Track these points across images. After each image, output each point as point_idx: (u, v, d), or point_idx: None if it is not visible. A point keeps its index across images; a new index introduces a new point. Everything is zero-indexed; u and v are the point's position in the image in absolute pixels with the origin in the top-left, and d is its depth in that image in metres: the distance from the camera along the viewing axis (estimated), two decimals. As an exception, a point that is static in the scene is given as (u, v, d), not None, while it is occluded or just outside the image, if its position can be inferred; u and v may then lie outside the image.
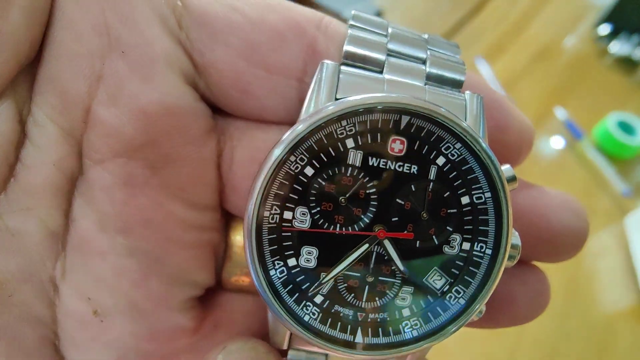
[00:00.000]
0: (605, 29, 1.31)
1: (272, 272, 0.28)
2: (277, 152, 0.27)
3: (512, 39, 1.32)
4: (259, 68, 0.28)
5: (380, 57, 0.29)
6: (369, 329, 0.29)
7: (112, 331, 0.29)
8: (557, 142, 1.10)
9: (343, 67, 0.28)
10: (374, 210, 0.28)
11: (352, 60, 0.28)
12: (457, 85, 0.29)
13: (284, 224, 0.28)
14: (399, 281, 0.29)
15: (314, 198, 0.28)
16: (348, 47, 0.28)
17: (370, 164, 0.28)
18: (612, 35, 1.31)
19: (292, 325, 0.28)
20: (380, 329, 0.29)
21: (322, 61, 0.28)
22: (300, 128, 0.26)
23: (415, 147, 0.28)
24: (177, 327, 0.31)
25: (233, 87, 0.28)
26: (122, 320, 0.29)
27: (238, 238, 0.34)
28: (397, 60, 0.29)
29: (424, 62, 0.29)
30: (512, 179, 0.28)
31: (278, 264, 0.28)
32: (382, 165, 0.28)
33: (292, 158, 0.27)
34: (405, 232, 0.28)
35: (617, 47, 1.28)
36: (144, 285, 0.29)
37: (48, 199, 0.27)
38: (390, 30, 0.30)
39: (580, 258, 0.91)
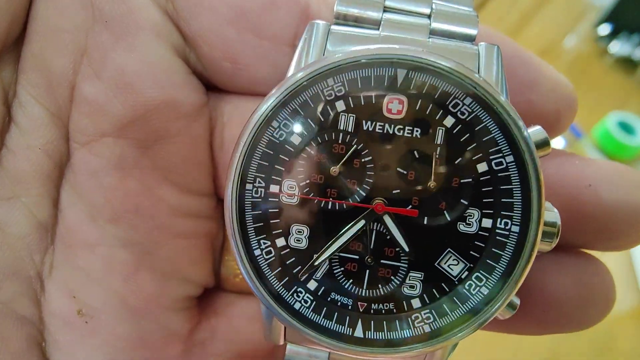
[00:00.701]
0: (605, 29, 1.31)
1: (257, 252, 0.25)
2: (256, 117, 0.24)
3: (512, 39, 1.31)
4: (250, 35, 0.26)
5: (376, 14, 0.26)
6: (372, 322, 0.25)
7: (98, 334, 0.27)
8: (557, 142, 1.10)
9: (334, 27, 0.26)
10: (371, 181, 0.25)
11: (344, 20, 0.26)
12: (468, 39, 0.26)
13: (270, 199, 0.25)
14: (406, 265, 0.25)
15: (302, 169, 0.25)
16: (339, 8, 0.26)
17: (365, 128, 0.24)
18: (612, 35, 1.30)
19: (278, 312, 0.25)
20: (385, 322, 0.25)
21: (312, 21, 0.26)
22: (277, 92, 0.24)
23: (417, 107, 0.24)
24: (170, 331, 0.28)
25: (223, 56, 0.27)
26: (109, 320, 0.27)
27: None
28: (396, 16, 0.26)
29: (428, 16, 0.26)
30: (544, 143, 0.23)
31: (264, 243, 0.25)
32: (379, 129, 0.24)
33: (275, 124, 0.24)
34: (410, 207, 0.24)
35: (617, 47, 1.28)
36: (134, 280, 0.27)
37: (36, 186, 0.25)
38: None
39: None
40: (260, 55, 0.27)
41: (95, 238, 0.26)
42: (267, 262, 0.25)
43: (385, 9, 0.26)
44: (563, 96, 0.27)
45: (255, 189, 0.25)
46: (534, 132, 0.24)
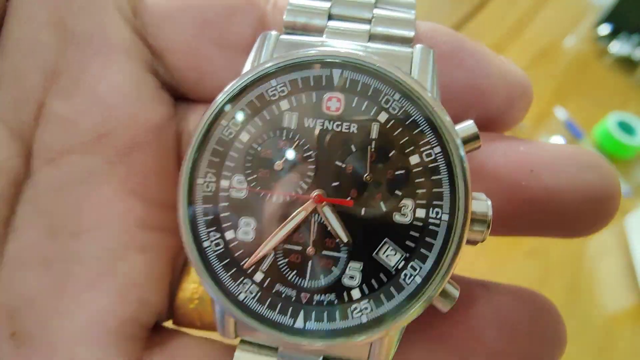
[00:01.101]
0: (605, 29, 1.31)
1: (206, 244, 0.26)
2: (207, 115, 0.26)
3: (512, 39, 1.32)
4: (212, 45, 0.28)
5: (321, 22, 0.28)
6: (313, 313, 0.26)
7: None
8: (557, 141, 1.10)
9: (282, 36, 0.28)
10: (312, 175, 0.26)
11: (292, 29, 0.28)
12: (406, 41, 0.28)
13: (220, 193, 0.26)
14: (346, 256, 0.26)
15: (250, 164, 0.26)
16: (287, 18, 0.28)
17: (307, 125, 0.26)
18: (612, 35, 1.31)
19: (223, 302, 0.25)
20: (325, 313, 0.25)
21: (263, 32, 0.27)
22: (224, 92, 0.26)
23: (354, 104, 0.26)
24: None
25: (189, 67, 0.28)
26: (42, 346, 0.25)
27: None
28: (338, 23, 0.28)
29: (369, 22, 0.28)
30: (473, 137, 0.25)
31: (214, 235, 0.26)
32: (319, 125, 0.26)
33: (224, 122, 0.26)
34: (349, 198, 0.26)
35: (617, 47, 1.29)
36: (86, 297, 0.26)
37: None
38: None
39: (580, 258, 0.91)
40: (222, 64, 0.28)
41: (53, 254, 0.26)
42: (216, 253, 0.26)
43: (330, 17, 0.28)
44: (514, 83, 0.27)
45: (206, 183, 0.26)
46: (464, 126, 0.25)
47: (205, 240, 0.26)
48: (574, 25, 1.40)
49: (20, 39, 0.24)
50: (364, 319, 0.25)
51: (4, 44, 0.24)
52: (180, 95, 0.30)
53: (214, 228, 0.26)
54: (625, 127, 1.08)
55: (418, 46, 0.27)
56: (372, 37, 0.28)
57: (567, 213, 0.25)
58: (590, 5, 1.48)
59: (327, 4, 0.29)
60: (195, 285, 0.31)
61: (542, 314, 0.26)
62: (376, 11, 0.28)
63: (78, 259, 0.26)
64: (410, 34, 0.27)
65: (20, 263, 0.25)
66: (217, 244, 0.26)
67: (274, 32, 0.27)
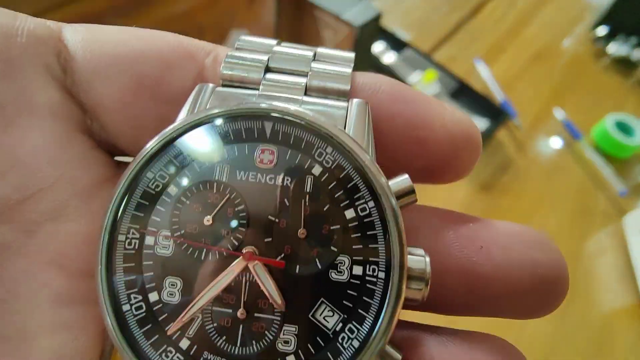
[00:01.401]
0: (602, 31, 1.32)
1: (125, 307, 0.24)
2: (131, 167, 0.24)
3: (510, 41, 1.32)
4: (148, 99, 0.26)
5: (257, 76, 0.27)
6: None
7: None
8: (555, 143, 1.11)
9: (219, 88, 0.27)
10: (244, 230, 0.24)
11: (229, 81, 0.27)
12: (342, 94, 0.27)
13: (145, 251, 0.24)
14: (279, 318, 0.24)
15: (177, 219, 0.25)
16: (224, 72, 0.27)
17: (239, 178, 0.25)
18: (610, 36, 1.31)
19: None
20: None
21: (200, 84, 0.26)
22: (151, 143, 0.25)
23: (287, 157, 0.25)
24: None
25: (125, 123, 0.27)
26: None
27: None
28: (276, 76, 0.27)
29: (306, 75, 0.28)
30: (408, 191, 0.24)
31: (135, 297, 0.24)
32: (252, 179, 0.25)
33: (150, 175, 0.25)
34: (282, 256, 0.24)
35: (615, 48, 1.29)
36: None
37: None
38: (275, 49, 0.29)
39: (579, 257, 0.92)
40: (160, 119, 0.27)
41: None
42: (136, 318, 0.24)
43: (268, 69, 0.28)
44: (458, 132, 0.26)
45: (128, 240, 0.24)
46: (399, 181, 0.24)
47: (125, 304, 0.24)
48: (572, 27, 1.41)
49: None
50: None
51: None
52: (120, 153, 0.28)
53: (136, 290, 0.24)
54: (623, 128, 1.09)
55: (354, 100, 0.26)
56: (309, 90, 0.27)
57: (517, 292, 0.24)
58: (587, 7, 1.48)
59: (265, 57, 0.28)
60: None
61: None
62: (313, 65, 0.28)
63: None
64: (346, 87, 0.27)
65: None
66: (139, 307, 0.24)
67: (210, 85, 0.26)
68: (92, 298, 0.25)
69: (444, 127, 0.26)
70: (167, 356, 0.23)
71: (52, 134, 0.25)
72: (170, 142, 0.25)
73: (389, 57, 1.15)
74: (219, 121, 0.25)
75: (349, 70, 0.28)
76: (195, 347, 0.24)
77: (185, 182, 0.25)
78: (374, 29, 0.90)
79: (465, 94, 1.11)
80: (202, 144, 0.25)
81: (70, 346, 0.24)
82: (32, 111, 0.24)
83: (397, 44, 1.19)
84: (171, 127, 0.25)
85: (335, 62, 0.28)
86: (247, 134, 0.25)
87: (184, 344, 0.24)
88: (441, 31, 1.31)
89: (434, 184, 0.28)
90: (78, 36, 0.26)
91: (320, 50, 0.29)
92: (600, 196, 1.02)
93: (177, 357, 0.24)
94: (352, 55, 0.29)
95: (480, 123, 1.06)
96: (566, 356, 0.79)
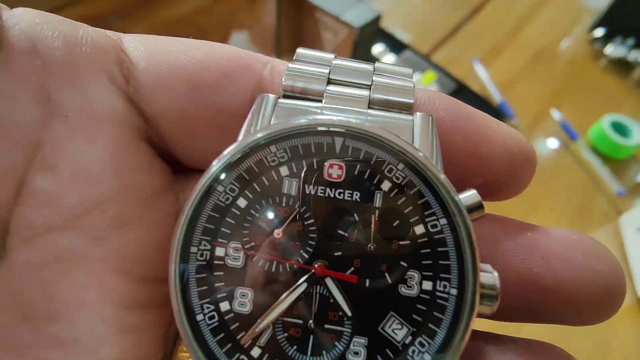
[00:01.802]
0: (600, 32, 1.33)
1: (199, 317, 0.24)
2: (202, 181, 0.25)
3: (508, 42, 1.33)
4: (207, 109, 0.27)
5: (320, 87, 0.27)
6: None
7: None
8: (552, 144, 1.12)
9: (281, 100, 0.27)
10: (313, 244, 0.25)
11: (291, 92, 0.27)
12: (405, 108, 0.27)
13: (215, 262, 0.25)
14: (349, 330, 0.24)
15: (247, 232, 0.25)
16: (286, 82, 0.27)
17: (307, 192, 0.25)
18: (607, 38, 1.32)
19: None
20: None
21: (261, 94, 0.27)
22: (223, 156, 0.25)
23: (356, 172, 0.25)
24: None
25: (183, 131, 0.27)
26: None
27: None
28: (338, 88, 0.28)
29: (368, 87, 0.28)
30: (477, 206, 0.24)
31: (207, 307, 0.24)
32: (321, 193, 0.25)
33: (221, 188, 0.25)
34: (352, 270, 0.25)
35: (612, 50, 1.30)
36: None
37: None
38: (334, 62, 0.29)
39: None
40: (218, 128, 0.27)
41: (28, 340, 0.23)
42: (210, 327, 0.24)
43: (330, 81, 0.28)
44: (517, 149, 0.27)
45: (200, 252, 0.25)
46: (467, 196, 0.24)
47: (199, 314, 0.24)
48: (570, 29, 1.42)
49: (1, 115, 0.23)
50: None
51: None
52: (175, 163, 0.29)
53: (208, 300, 0.24)
54: (620, 128, 1.10)
55: (418, 114, 0.27)
56: (372, 103, 0.27)
57: (577, 302, 0.24)
58: (585, 9, 1.49)
59: (326, 70, 0.28)
60: (188, 355, 0.29)
61: None
62: (375, 78, 0.28)
63: (56, 344, 0.24)
64: (410, 100, 0.27)
65: None
66: (211, 317, 0.24)
67: (271, 96, 0.27)
68: (154, 304, 0.26)
69: (503, 145, 0.26)
70: None
71: (116, 142, 0.25)
72: (241, 157, 0.25)
73: (388, 59, 1.16)
74: (288, 137, 0.25)
75: (412, 84, 0.28)
76: (267, 355, 0.24)
77: (254, 195, 0.25)
78: (373, 31, 0.91)
79: (463, 95, 1.12)
80: (271, 159, 0.25)
81: (133, 351, 0.25)
82: (96, 120, 0.25)
83: (396, 46, 1.20)
84: (242, 141, 0.25)
85: (396, 76, 0.29)
86: (316, 148, 0.25)
87: (255, 352, 0.24)
88: (440, 33, 1.32)
89: (492, 200, 0.28)
90: (139, 46, 0.27)
91: (379, 64, 0.29)
92: (597, 196, 1.03)
93: None
94: (410, 70, 0.29)
95: (479, 124, 1.07)
96: (564, 354, 0.80)
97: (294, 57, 0.29)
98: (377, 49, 1.18)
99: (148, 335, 0.26)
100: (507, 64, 1.26)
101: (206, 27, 1.05)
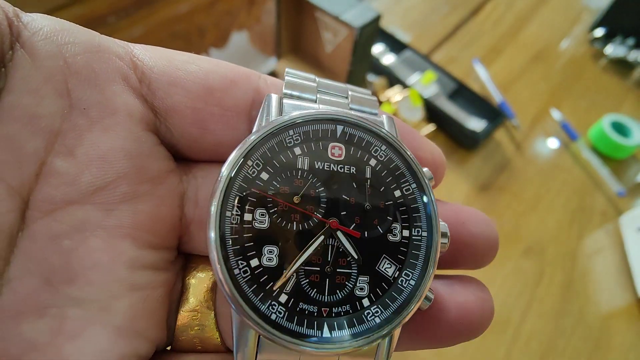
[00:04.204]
0: (600, 32, 1.33)
1: (236, 272, 0.28)
2: (236, 154, 0.30)
3: (508, 42, 1.33)
4: (215, 106, 0.32)
5: (313, 96, 0.35)
6: (335, 323, 0.30)
7: None
8: (553, 143, 1.12)
9: (285, 100, 0.33)
10: (325, 206, 0.31)
11: (290, 98, 0.34)
12: (373, 114, 0.36)
13: (244, 225, 0.29)
14: (356, 271, 0.31)
15: (270, 199, 0.30)
16: (285, 90, 0.34)
17: (317, 167, 0.32)
18: (607, 38, 1.33)
19: (261, 326, 0.27)
20: (345, 321, 0.30)
21: (269, 94, 0.33)
22: (253, 137, 0.30)
23: (351, 152, 0.33)
24: None
25: (193, 124, 0.31)
26: None
27: (193, 281, 0.33)
28: (325, 96, 0.36)
29: (347, 97, 0.36)
30: (430, 178, 0.34)
31: (242, 264, 0.28)
32: (327, 167, 0.32)
33: (250, 163, 0.30)
34: (354, 225, 0.31)
35: (612, 50, 1.30)
36: (84, 337, 0.26)
37: None
38: (317, 80, 0.37)
39: (576, 257, 0.93)
40: (224, 123, 0.32)
41: (47, 301, 0.26)
42: (245, 280, 0.28)
43: (319, 92, 0.36)
44: (438, 156, 0.37)
45: (233, 216, 0.29)
46: (425, 170, 0.34)
47: (235, 268, 0.28)
48: (570, 28, 1.42)
49: (24, 107, 0.26)
50: (377, 320, 0.30)
51: (7, 111, 0.25)
52: (180, 153, 0.33)
53: (241, 257, 0.29)
54: (620, 128, 1.10)
55: (384, 115, 0.36)
56: (351, 106, 0.36)
57: (477, 251, 0.35)
58: (585, 9, 1.49)
59: (314, 84, 0.36)
60: (194, 313, 0.33)
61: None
62: (350, 93, 0.37)
63: (73, 303, 0.26)
64: (376, 110, 0.36)
65: (17, 312, 0.25)
66: (245, 272, 0.29)
67: (276, 95, 0.33)
68: (158, 267, 0.30)
69: (431, 153, 0.37)
70: (273, 308, 0.28)
71: (128, 131, 0.29)
72: (267, 136, 0.31)
73: (388, 59, 1.16)
74: (301, 123, 0.32)
75: (376, 99, 0.38)
76: (292, 300, 0.29)
77: (274, 170, 0.31)
78: (373, 31, 0.91)
79: (463, 94, 1.12)
80: (288, 140, 0.32)
81: (139, 305, 0.29)
82: (111, 113, 0.28)
83: (396, 45, 1.20)
84: (270, 123, 0.31)
85: (362, 91, 0.38)
86: (322, 133, 0.33)
87: (283, 298, 0.29)
88: (440, 32, 1.32)
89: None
90: (149, 54, 0.31)
91: (350, 85, 0.38)
92: (597, 196, 1.03)
93: (280, 309, 0.29)
94: (369, 91, 0.39)
95: (479, 124, 1.07)
96: (564, 355, 0.80)
97: (285, 73, 0.36)
98: (377, 48, 1.18)
99: (153, 293, 0.30)
100: (507, 63, 1.26)
101: (205, 26, 1.05)
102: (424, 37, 1.29)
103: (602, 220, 0.99)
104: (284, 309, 0.29)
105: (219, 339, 0.33)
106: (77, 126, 0.27)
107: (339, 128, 0.33)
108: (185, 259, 0.34)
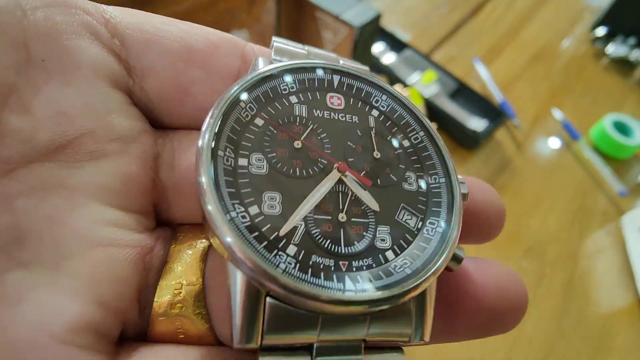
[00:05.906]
0: (601, 31, 1.33)
1: (233, 214, 0.24)
2: (228, 94, 0.27)
3: (509, 41, 1.33)
4: (198, 69, 0.29)
5: (302, 51, 0.33)
6: (358, 277, 0.25)
7: None
8: (554, 143, 1.11)
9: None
10: (329, 152, 0.29)
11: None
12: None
13: (239, 170, 0.26)
14: (373, 221, 0.27)
15: (268, 144, 0.27)
16: (275, 56, 0.32)
17: (316, 114, 0.30)
18: (609, 37, 1.32)
19: (270, 275, 0.22)
20: (369, 275, 0.25)
21: (257, 57, 0.31)
22: (243, 78, 0.28)
23: (351, 102, 0.31)
24: None
25: (172, 86, 0.29)
26: None
27: (179, 248, 0.28)
28: (316, 51, 0.34)
29: (338, 63, 0.34)
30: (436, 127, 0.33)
31: (238, 207, 0.24)
32: (327, 115, 0.30)
33: (242, 104, 0.27)
34: (363, 172, 0.29)
35: (614, 49, 1.30)
36: (32, 299, 0.23)
37: None
38: (307, 48, 0.34)
39: (578, 257, 0.92)
40: (208, 87, 0.30)
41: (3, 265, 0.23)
42: (244, 224, 0.24)
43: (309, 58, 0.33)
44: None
45: (225, 157, 0.26)
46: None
47: (232, 211, 0.24)
48: (571, 28, 1.41)
49: None
50: (408, 271, 0.26)
51: None
52: (155, 119, 0.30)
53: (237, 201, 0.25)
54: (622, 128, 1.09)
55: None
56: None
57: (484, 222, 0.33)
58: (586, 8, 1.49)
59: (305, 52, 0.34)
60: (177, 283, 0.26)
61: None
62: (342, 62, 0.34)
63: (20, 265, 0.23)
64: (366, 68, 0.35)
65: None
66: (243, 217, 0.24)
67: (263, 58, 0.30)
68: (132, 228, 0.27)
69: None
70: (280, 258, 0.24)
71: (93, 87, 0.27)
72: (260, 81, 0.29)
73: (388, 58, 1.16)
74: (297, 70, 0.30)
75: (367, 68, 0.35)
76: (303, 251, 0.25)
77: (269, 116, 0.29)
78: (373, 30, 0.91)
79: (464, 94, 1.12)
80: (282, 87, 0.30)
81: (105, 269, 0.25)
82: (75, 68, 0.26)
83: (396, 45, 1.19)
84: (260, 70, 0.29)
85: (355, 64, 0.35)
86: (319, 83, 0.31)
87: (292, 250, 0.25)
88: (440, 32, 1.31)
89: None
90: (122, 12, 0.29)
91: (341, 56, 0.36)
92: (599, 196, 1.03)
93: (290, 260, 0.24)
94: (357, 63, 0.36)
95: (479, 123, 1.06)
96: (565, 355, 0.79)
97: (273, 40, 0.33)
98: (377, 48, 1.18)
99: (120, 253, 0.25)
100: (508, 63, 1.26)
101: (205, 25, 1.05)
102: (424, 37, 1.29)
103: (603, 220, 0.99)
104: (294, 261, 0.24)
105: (207, 325, 0.26)
106: (34, 81, 0.25)
107: (336, 78, 0.31)
108: (174, 231, 0.29)
